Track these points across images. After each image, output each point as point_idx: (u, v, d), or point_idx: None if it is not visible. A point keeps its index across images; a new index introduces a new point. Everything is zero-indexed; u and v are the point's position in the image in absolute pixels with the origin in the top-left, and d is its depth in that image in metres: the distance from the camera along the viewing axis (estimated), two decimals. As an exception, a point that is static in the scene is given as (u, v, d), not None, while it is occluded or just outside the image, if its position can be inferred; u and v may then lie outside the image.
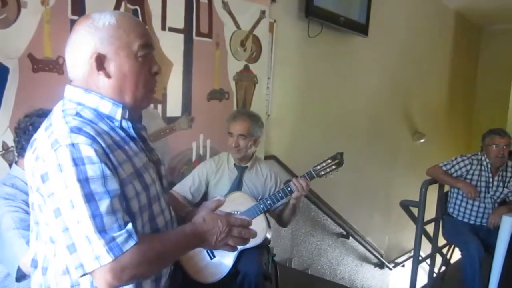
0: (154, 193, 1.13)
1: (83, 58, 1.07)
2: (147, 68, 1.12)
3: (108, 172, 0.99)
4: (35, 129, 1.63)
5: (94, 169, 0.97)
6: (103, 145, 1.01)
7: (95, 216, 0.95)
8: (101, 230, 0.95)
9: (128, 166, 1.06)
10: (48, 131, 1.03)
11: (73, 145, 0.97)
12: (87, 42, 1.06)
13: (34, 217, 1.09)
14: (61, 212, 0.96)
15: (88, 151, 0.97)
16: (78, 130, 0.99)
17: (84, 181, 0.96)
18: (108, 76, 1.08)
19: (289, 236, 3.85)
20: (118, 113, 1.10)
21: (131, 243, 0.97)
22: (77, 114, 1.06)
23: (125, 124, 1.11)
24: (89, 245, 0.94)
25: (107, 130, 1.06)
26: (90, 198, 0.95)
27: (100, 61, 1.06)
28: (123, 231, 0.97)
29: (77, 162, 0.96)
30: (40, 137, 1.04)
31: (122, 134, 1.10)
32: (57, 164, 0.96)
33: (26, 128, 1.66)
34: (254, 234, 1.23)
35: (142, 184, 1.09)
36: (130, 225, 0.98)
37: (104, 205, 0.96)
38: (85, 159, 0.97)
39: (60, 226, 0.97)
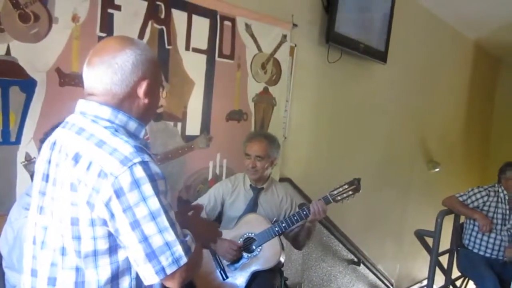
0: None
1: (130, 80, 1.16)
2: None
3: (168, 186, 1.12)
4: None
5: (162, 184, 1.09)
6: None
7: (173, 224, 1.08)
8: (179, 236, 1.08)
9: None
10: (106, 148, 1.08)
11: (143, 162, 1.06)
12: (138, 67, 1.17)
13: (74, 232, 1.10)
14: (140, 224, 1.04)
15: (156, 168, 1.09)
16: (141, 149, 1.10)
17: (159, 194, 1.07)
18: (149, 100, 1.20)
19: (300, 260, 3.81)
20: (142, 133, 1.23)
21: (194, 244, 1.13)
22: (117, 132, 1.14)
23: (143, 142, 1.24)
24: (169, 251, 1.07)
25: None
26: (165, 209, 1.07)
27: (149, 87, 1.19)
28: (189, 235, 1.13)
29: (152, 178, 1.06)
30: (94, 154, 1.08)
31: None
32: (133, 180, 1.04)
33: None
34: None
35: None
36: (187, 230, 1.15)
37: (172, 214, 1.09)
38: (156, 175, 1.07)
39: (137, 237, 1.05)
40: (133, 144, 1.09)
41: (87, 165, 1.07)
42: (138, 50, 1.17)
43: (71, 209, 1.09)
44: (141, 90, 1.18)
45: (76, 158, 1.09)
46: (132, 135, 1.18)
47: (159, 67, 1.26)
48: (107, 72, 1.14)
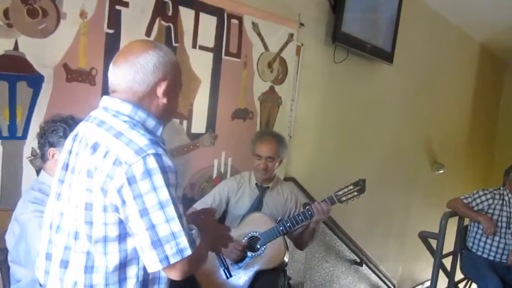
0: None
1: (151, 80, 1.23)
2: None
3: (179, 180, 1.17)
4: (52, 133, 1.68)
5: (173, 177, 1.14)
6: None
7: (180, 216, 1.12)
8: (185, 228, 1.13)
9: None
10: (123, 139, 1.15)
11: (157, 154, 1.12)
12: (159, 69, 1.24)
13: (87, 217, 1.15)
14: (149, 212, 1.09)
15: (169, 161, 1.14)
16: (156, 142, 1.16)
17: (169, 186, 1.12)
18: (167, 100, 1.27)
19: (302, 260, 3.81)
20: (160, 131, 1.28)
21: (199, 239, 1.17)
22: (135, 126, 1.20)
23: (161, 140, 1.25)
24: (174, 241, 1.10)
25: None
26: (174, 201, 1.12)
27: (168, 88, 1.25)
28: (194, 230, 1.18)
29: (164, 170, 1.11)
30: (111, 144, 1.15)
31: None
32: (146, 170, 1.10)
33: (43, 133, 1.71)
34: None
35: None
36: (193, 225, 1.19)
37: (181, 207, 1.14)
38: (167, 168, 1.13)
39: (145, 225, 1.10)
40: (148, 137, 1.15)
41: (104, 153, 1.13)
42: (160, 52, 1.25)
43: (87, 195, 1.15)
44: (160, 90, 1.24)
45: (95, 147, 1.16)
46: (150, 132, 1.23)
47: (180, 71, 1.32)
48: (130, 71, 1.22)
